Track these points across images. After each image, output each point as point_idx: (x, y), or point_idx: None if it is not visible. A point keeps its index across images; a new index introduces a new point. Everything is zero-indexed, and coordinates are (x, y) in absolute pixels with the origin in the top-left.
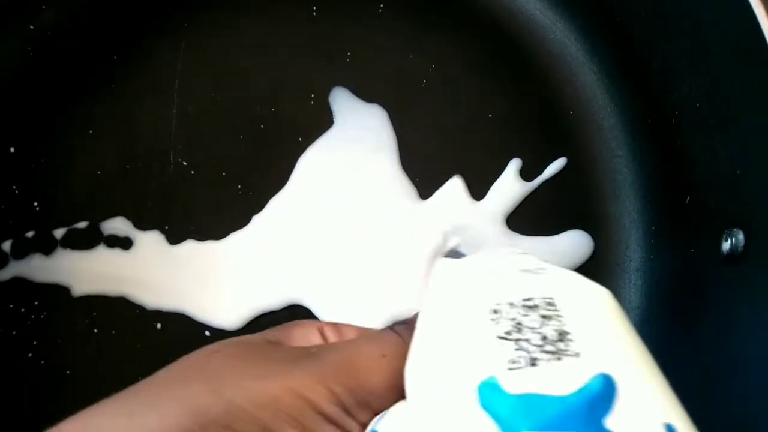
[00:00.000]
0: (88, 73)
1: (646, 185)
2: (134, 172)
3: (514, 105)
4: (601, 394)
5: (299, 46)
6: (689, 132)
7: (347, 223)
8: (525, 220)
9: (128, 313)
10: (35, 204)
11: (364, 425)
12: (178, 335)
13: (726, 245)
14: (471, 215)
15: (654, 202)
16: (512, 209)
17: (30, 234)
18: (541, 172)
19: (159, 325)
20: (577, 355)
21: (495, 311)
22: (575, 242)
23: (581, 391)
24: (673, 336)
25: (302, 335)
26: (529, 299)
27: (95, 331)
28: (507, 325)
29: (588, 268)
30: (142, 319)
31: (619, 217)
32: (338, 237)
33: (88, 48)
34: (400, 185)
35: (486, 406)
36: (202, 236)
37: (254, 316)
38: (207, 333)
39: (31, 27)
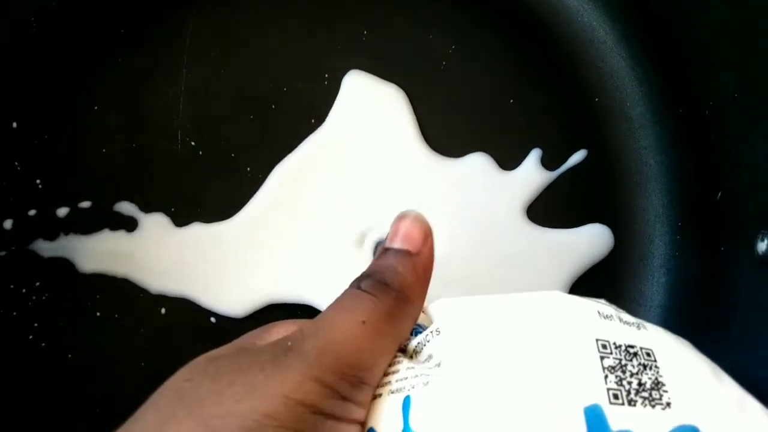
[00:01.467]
0: (93, 48)
1: (673, 178)
2: (140, 151)
3: (536, 90)
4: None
5: (313, 24)
6: (724, 124)
7: (362, 206)
8: (545, 211)
9: (132, 297)
10: (38, 182)
11: (365, 404)
12: (183, 321)
13: (762, 246)
14: (490, 204)
15: (681, 197)
16: (533, 199)
17: (32, 212)
18: (562, 162)
19: (163, 310)
20: (669, 405)
21: (604, 346)
22: (595, 236)
23: None
24: (697, 336)
25: (278, 334)
26: (632, 346)
27: (98, 314)
28: (613, 361)
29: (610, 263)
30: (146, 303)
31: (643, 211)
32: (350, 222)
33: (94, 21)
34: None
35: (590, 429)
36: (209, 219)
37: (261, 305)
38: (212, 320)
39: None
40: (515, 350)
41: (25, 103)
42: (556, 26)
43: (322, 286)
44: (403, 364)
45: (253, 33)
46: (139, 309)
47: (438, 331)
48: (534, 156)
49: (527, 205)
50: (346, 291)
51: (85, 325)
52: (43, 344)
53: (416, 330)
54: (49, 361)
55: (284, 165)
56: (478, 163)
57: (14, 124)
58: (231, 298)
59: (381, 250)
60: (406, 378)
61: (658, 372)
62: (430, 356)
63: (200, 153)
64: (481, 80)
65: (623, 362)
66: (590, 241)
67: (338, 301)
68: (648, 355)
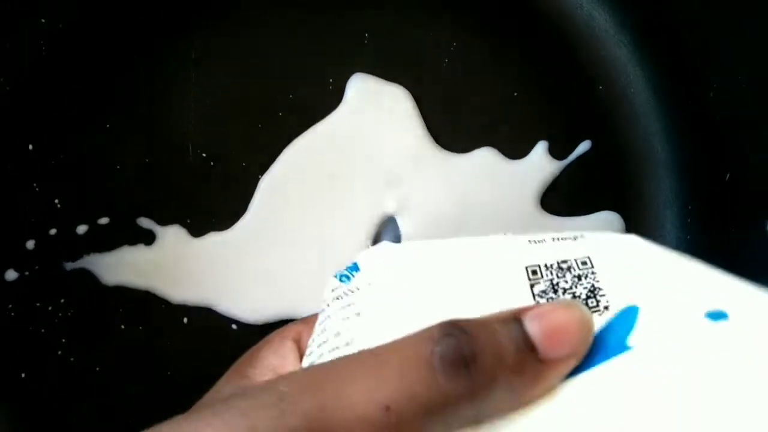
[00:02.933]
0: (103, 67)
1: (681, 162)
2: (154, 166)
3: (539, 82)
4: (621, 322)
5: (315, 31)
6: (730, 105)
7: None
8: (554, 200)
9: (155, 308)
10: (56, 201)
11: None
12: (205, 329)
13: None
14: (501, 195)
15: (690, 180)
16: (544, 189)
17: (53, 231)
18: (569, 152)
19: (185, 320)
20: (606, 308)
21: (534, 272)
22: (605, 224)
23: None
24: None
25: (275, 355)
26: (564, 261)
27: (122, 327)
28: (544, 285)
29: None
30: (169, 313)
31: (652, 197)
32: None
33: (103, 41)
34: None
35: None
36: (224, 228)
37: (280, 314)
38: (234, 326)
39: (43, 21)
40: (444, 293)
41: (40, 125)
42: (556, 16)
43: None
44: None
45: (257, 44)
46: (162, 320)
47: (369, 284)
48: (541, 148)
49: (540, 196)
50: (415, 338)
51: (111, 338)
52: (72, 359)
53: (342, 275)
54: (79, 374)
55: (282, 171)
56: (486, 157)
57: (30, 147)
58: (250, 306)
59: (510, 313)
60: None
61: (594, 278)
62: (350, 304)
63: (212, 164)
64: (483, 76)
65: (555, 281)
66: (601, 229)
67: (375, 354)
68: (584, 263)
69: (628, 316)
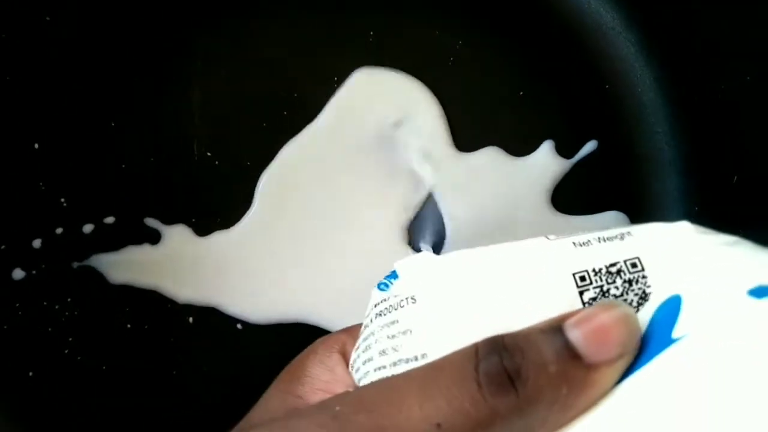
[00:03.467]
0: (108, 66)
1: (688, 163)
2: (159, 165)
3: (546, 81)
4: (664, 315)
5: (319, 29)
6: (738, 105)
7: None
8: (559, 199)
9: (160, 308)
10: (62, 200)
11: None
12: (211, 329)
13: None
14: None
15: (697, 181)
16: (552, 188)
17: (59, 230)
18: (575, 151)
19: (191, 319)
20: (647, 301)
21: (582, 278)
22: (610, 224)
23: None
24: None
25: (322, 368)
26: (613, 264)
27: (128, 326)
28: (594, 292)
29: None
30: (175, 313)
31: (659, 197)
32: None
33: (109, 40)
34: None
35: None
36: (229, 228)
37: (286, 319)
38: (239, 326)
39: (48, 18)
40: (491, 307)
41: (45, 125)
42: (562, 14)
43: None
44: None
45: (261, 43)
46: (168, 319)
47: (413, 299)
48: (547, 146)
49: (550, 194)
50: (456, 357)
51: (117, 337)
52: (79, 357)
53: (382, 284)
54: (85, 373)
55: (282, 169)
56: (493, 156)
57: (36, 146)
58: (255, 306)
59: (550, 324)
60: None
61: (645, 282)
62: (396, 321)
63: (217, 163)
64: (489, 74)
65: (604, 287)
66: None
67: (423, 373)
68: (634, 265)
69: (671, 307)
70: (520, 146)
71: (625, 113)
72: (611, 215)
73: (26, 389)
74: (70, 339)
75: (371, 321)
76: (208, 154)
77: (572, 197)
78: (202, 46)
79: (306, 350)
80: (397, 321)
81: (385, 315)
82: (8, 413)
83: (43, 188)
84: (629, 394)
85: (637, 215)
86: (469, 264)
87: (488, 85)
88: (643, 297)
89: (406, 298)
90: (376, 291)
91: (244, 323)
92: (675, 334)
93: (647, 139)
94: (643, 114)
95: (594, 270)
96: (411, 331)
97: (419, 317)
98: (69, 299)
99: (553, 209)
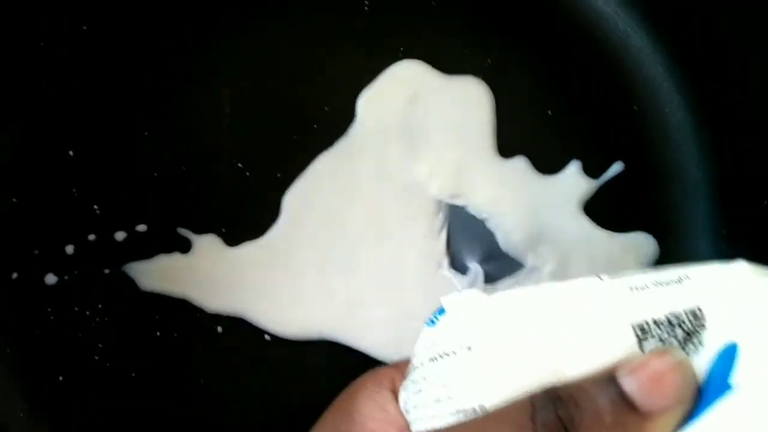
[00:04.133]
0: (141, 76)
1: (716, 185)
2: (191, 175)
3: (573, 101)
4: (722, 362)
5: (351, 42)
6: None
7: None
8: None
9: (190, 317)
10: (95, 207)
11: None
12: (239, 339)
13: None
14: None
15: (726, 204)
16: (579, 207)
17: (91, 237)
18: (602, 172)
19: (220, 329)
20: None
21: (642, 329)
22: (637, 244)
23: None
24: None
25: (374, 406)
26: (674, 314)
27: (158, 334)
28: (654, 344)
29: None
30: (203, 322)
31: (686, 220)
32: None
33: (141, 49)
34: None
35: None
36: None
37: (314, 333)
38: (267, 337)
39: (85, 28)
40: (548, 356)
41: (80, 132)
42: (591, 34)
43: (383, 330)
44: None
45: (293, 54)
46: (197, 328)
47: (469, 348)
48: (574, 167)
49: (581, 208)
50: (512, 409)
51: (146, 345)
52: (108, 364)
53: (430, 321)
54: (115, 380)
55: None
56: (522, 167)
57: (71, 153)
58: (283, 320)
59: (604, 375)
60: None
61: (706, 333)
62: (451, 369)
63: (247, 174)
64: (517, 93)
65: (665, 338)
66: (631, 249)
67: (482, 425)
68: (695, 316)
69: (728, 355)
70: (547, 165)
71: (652, 134)
72: (633, 238)
73: (56, 394)
74: (100, 345)
75: (422, 364)
76: (239, 165)
77: (599, 217)
78: (234, 57)
79: (354, 384)
80: (452, 369)
81: (438, 361)
82: (38, 417)
83: (77, 195)
84: None
85: (665, 237)
86: (522, 308)
87: (516, 104)
88: (701, 344)
89: (461, 347)
90: (425, 329)
91: (273, 335)
92: (732, 382)
93: (675, 161)
94: (671, 135)
95: (654, 321)
96: (467, 381)
97: (475, 367)
98: (100, 305)
99: (587, 218)
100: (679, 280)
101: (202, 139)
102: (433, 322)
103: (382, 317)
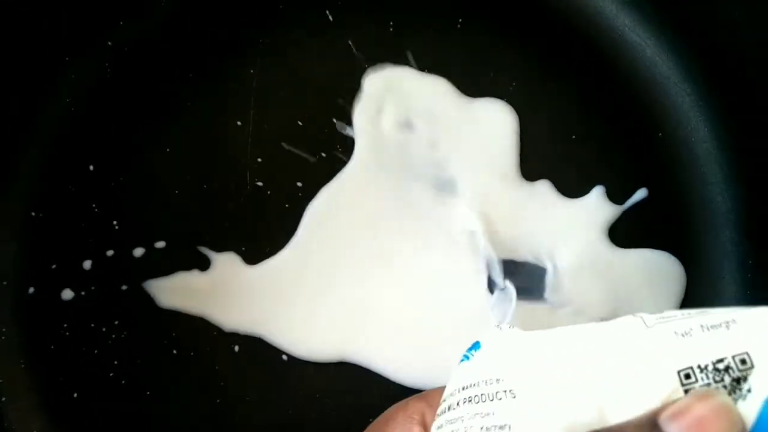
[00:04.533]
0: (164, 91)
1: (742, 214)
2: (210, 192)
3: (597, 125)
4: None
5: (375, 62)
6: None
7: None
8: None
9: (207, 335)
10: (114, 223)
11: None
12: (256, 359)
13: None
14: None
15: (751, 234)
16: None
17: (110, 253)
18: (625, 198)
19: (237, 348)
20: (750, 392)
21: (687, 376)
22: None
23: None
24: None
25: None
26: (720, 360)
27: (174, 352)
28: (699, 391)
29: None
30: (220, 340)
31: (711, 249)
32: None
33: (164, 65)
34: None
35: None
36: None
37: (333, 356)
38: (284, 357)
39: (110, 43)
40: (591, 399)
41: (101, 147)
42: (618, 61)
43: (404, 353)
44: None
45: (318, 71)
46: (214, 347)
47: (512, 393)
48: (598, 192)
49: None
50: None
51: (162, 363)
52: (123, 381)
53: (464, 357)
54: (129, 398)
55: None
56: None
57: (91, 167)
58: (299, 340)
59: (645, 419)
60: None
61: (755, 381)
62: (492, 413)
63: (268, 193)
64: (542, 117)
65: (711, 384)
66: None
67: None
68: (743, 362)
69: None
70: (571, 190)
71: (678, 162)
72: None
73: (71, 410)
74: (116, 362)
75: (458, 404)
76: (260, 183)
77: (621, 244)
78: (257, 74)
79: (383, 416)
80: (493, 414)
81: (477, 403)
82: None
83: (96, 210)
84: None
85: (689, 266)
86: (563, 348)
87: (540, 127)
88: (750, 391)
89: (504, 391)
90: (459, 365)
91: (290, 355)
92: None
93: (700, 190)
94: (697, 164)
95: (700, 367)
96: (510, 427)
97: (519, 414)
98: (116, 322)
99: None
100: (727, 325)
101: (223, 157)
102: (467, 357)
103: (404, 340)
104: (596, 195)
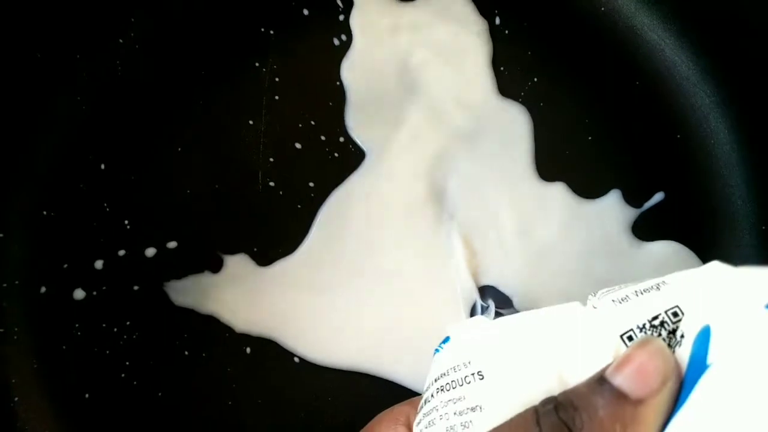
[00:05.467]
0: (176, 90)
1: (762, 218)
2: (223, 193)
3: (615, 127)
4: (699, 346)
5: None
6: None
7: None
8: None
9: (218, 336)
10: (126, 222)
11: None
12: (267, 360)
13: None
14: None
15: None
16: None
17: (121, 252)
18: (643, 200)
19: (248, 350)
20: (683, 337)
21: (630, 338)
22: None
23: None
24: None
25: None
26: (655, 317)
27: (186, 353)
28: None
29: None
30: (232, 342)
31: (731, 252)
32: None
33: (176, 65)
34: None
35: None
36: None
37: (345, 363)
38: (296, 359)
39: (121, 41)
40: (550, 376)
41: (112, 146)
42: (636, 62)
43: (416, 361)
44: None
45: (331, 73)
46: (225, 348)
47: (480, 375)
48: (615, 195)
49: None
50: (519, 418)
51: (174, 364)
52: (135, 382)
53: (436, 349)
54: (141, 398)
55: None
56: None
57: (102, 166)
58: (312, 343)
59: (595, 377)
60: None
61: (685, 324)
62: (463, 397)
63: (281, 193)
64: (558, 117)
65: None
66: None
67: None
68: (675, 314)
69: (703, 338)
70: (587, 192)
71: (696, 165)
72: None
73: (82, 411)
74: (128, 363)
75: (432, 396)
76: (272, 184)
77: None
78: (269, 73)
79: (371, 423)
80: (464, 397)
81: (449, 390)
82: None
83: (108, 210)
84: (680, 426)
85: None
86: (525, 332)
87: (557, 128)
88: (683, 336)
89: (473, 374)
90: (433, 360)
91: (301, 357)
92: (709, 361)
93: (719, 193)
94: (716, 167)
95: (639, 326)
96: (481, 408)
97: (488, 393)
98: (128, 322)
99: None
100: (657, 287)
101: (235, 157)
102: (438, 350)
103: (416, 346)
104: (613, 197)
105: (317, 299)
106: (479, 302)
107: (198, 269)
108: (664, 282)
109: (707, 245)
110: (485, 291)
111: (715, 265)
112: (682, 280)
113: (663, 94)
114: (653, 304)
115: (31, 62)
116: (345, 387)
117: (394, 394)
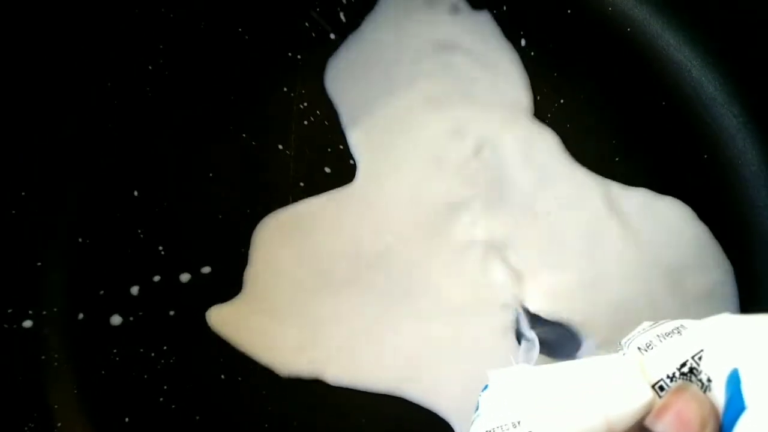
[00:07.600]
0: (205, 116)
1: None
2: (255, 217)
3: (642, 147)
4: (732, 389)
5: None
6: None
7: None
8: None
9: (254, 362)
10: (160, 248)
11: None
12: (303, 383)
13: None
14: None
15: None
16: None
17: (156, 278)
18: None
19: None
20: (710, 381)
21: (661, 388)
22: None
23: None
24: None
25: None
26: (683, 364)
27: (222, 377)
28: None
29: None
30: (268, 368)
31: (759, 273)
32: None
33: (205, 90)
34: None
35: None
36: None
37: (376, 385)
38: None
39: (150, 68)
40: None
41: (145, 173)
42: (662, 82)
43: (453, 389)
44: None
45: None
46: (261, 372)
47: (518, 424)
48: None
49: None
50: None
51: (211, 388)
52: (173, 406)
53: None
54: (179, 422)
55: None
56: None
57: (135, 193)
58: (346, 367)
59: (635, 428)
60: None
61: (713, 368)
62: None
63: None
64: (585, 137)
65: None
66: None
67: None
68: (700, 359)
69: (734, 381)
70: None
71: (724, 184)
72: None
73: None
74: (165, 387)
75: None
76: None
77: None
78: (296, 98)
79: None
80: None
81: None
82: None
83: (142, 236)
84: None
85: (739, 291)
86: (560, 380)
87: (583, 146)
88: (711, 380)
89: (509, 422)
90: (477, 415)
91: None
92: (745, 403)
93: (747, 213)
94: (744, 187)
95: (668, 376)
96: None
97: None
98: (165, 347)
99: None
100: (678, 331)
101: (264, 181)
102: (480, 399)
103: (450, 375)
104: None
105: (353, 325)
106: (525, 332)
107: (231, 293)
108: (683, 326)
109: (735, 266)
110: (529, 317)
111: (728, 316)
112: (699, 324)
113: (690, 115)
114: (679, 351)
115: (63, 92)
116: (379, 411)
117: (428, 420)
